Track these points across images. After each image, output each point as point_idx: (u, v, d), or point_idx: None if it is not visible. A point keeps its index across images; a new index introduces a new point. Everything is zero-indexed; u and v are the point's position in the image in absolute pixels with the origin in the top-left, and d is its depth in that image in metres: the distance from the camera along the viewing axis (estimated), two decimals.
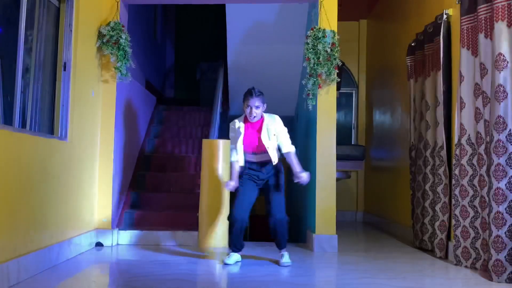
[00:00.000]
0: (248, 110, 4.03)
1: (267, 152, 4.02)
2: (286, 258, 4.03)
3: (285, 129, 4.12)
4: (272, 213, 4.04)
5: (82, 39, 4.40)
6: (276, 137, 4.06)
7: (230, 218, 4.06)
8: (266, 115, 4.12)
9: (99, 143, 4.87)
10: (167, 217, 5.40)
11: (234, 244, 4.11)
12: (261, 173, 4.08)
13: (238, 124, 4.13)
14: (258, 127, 4.08)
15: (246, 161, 4.13)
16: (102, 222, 4.83)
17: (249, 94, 4.03)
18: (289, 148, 4.07)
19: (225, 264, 4.01)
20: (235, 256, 4.12)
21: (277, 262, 4.05)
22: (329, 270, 4.01)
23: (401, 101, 6.32)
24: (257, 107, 4.00)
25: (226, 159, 4.97)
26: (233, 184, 4.08)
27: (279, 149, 4.12)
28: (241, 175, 4.13)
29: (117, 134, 5.00)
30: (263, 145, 4.02)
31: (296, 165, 4.04)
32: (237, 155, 4.11)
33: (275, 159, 4.05)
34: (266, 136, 4.03)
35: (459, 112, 4.12)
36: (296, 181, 4.01)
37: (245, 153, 4.11)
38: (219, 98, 6.40)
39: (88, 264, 4.05)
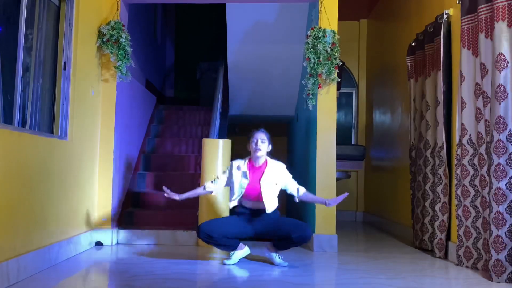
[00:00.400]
0: (253, 144, 3.95)
1: (263, 201, 3.93)
2: (280, 259, 4.01)
3: (289, 176, 4.07)
4: (295, 232, 3.87)
5: (82, 38, 4.39)
6: (278, 186, 3.99)
7: (197, 234, 3.97)
8: (270, 160, 4.05)
9: (99, 142, 4.87)
10: (167, 217, 5.40)
11: (226, 248, 4.07)
12: (255, 219, 3.99)
13: (243, 167, 4.00)
14: (261, 173, 3.99)
15: (240, 206, 4.05)
16: (102, 221, 4.83)
17: (255, 129, 4.02)
18: (301, 188, 4.05)
19: (225, 264, 3.99)
20: (236, 254, 4.05)
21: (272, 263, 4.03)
22: (329, 270, 4.00)
23: (401, 101, 6.32)
24: (262, 141, 3.94)
25: (226, 158, 4.97)
26: (173, 195, 3.95)
27: (288, 196, 4.13)
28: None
29: (117, 133, 5.00)
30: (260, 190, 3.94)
31: (317, 198, 4.15)
32: (213, 186, 4.08)
33: (269, 208, 3.93)
34: (266, 182, 3.94)
35: (460, 112, 4.12)
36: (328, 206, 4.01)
37: (241, 198, 4.01)
38: (219, 98, 6.39)
39: (87, 264, 4.05)
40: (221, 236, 3.91)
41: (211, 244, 4.00)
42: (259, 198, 3.95)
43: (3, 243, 3.06)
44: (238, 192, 3.98)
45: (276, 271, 3.80)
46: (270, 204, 3.94)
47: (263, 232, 3.99)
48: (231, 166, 4.07)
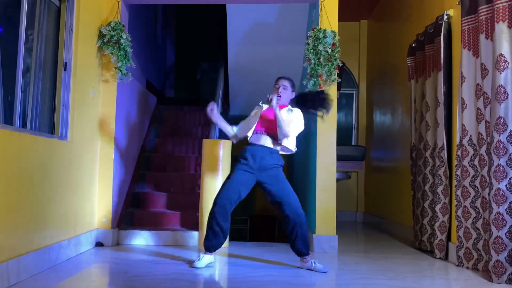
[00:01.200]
0: (274, 90, 3.94)
1: (272, 135, 3.83)
2: (317, 265, 3.87)
3: (298, 123, 3.88)
4: (287, 213, 3.79)
5: (82, 39, 4.40)
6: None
7: (212, 205, 3.83)
8: (290, 106, 3.97)
9: (100, 142, 4.87)
10: (167, 217, 5.40)
11: (209, 241, 3.85)
12: (257, 159, 3.82)
13: (262, 105, 4.01)
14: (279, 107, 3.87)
15: (243, 152, 3.91)
16: (102, 222, 4.83)
17: (278, 77, 4.02)
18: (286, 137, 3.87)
19: (195, 267, 3.81)
20: (207, 258, 3.88)
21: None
22: (330, 270, 4.00)
23: (402, 101, 6.32)
24: (285, 88, 3.93)
25: (226, 159, 4.97)
26: (214, 109, 3.93)
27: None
28: (235, 160, 3.96)
29: (117, 134, 5.00)
30: (274, 124, 3.81)
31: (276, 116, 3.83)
32: (236, 130, 4.04)
33: (275, 142, 3.85)
34: (284, 112, 3.85)
35: (461, 113, 4.12)
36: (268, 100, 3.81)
37: (252, 134, 3.94)
38: (220, 98, 6.40)
39: (88, 264, 4.05)
40: (226, 201, 3.79)
41: (211, 221, 3.84)
42: (270, 127, 3.87)
43: (3, 243, 3.07)
44: (253, 122, 3.94)
45: (276, 272, 3.79)
46: (283, 130, 3.78)
47: (264, 182, 3.84)
48: (256, 108, 4.07)
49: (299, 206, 3.85)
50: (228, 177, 3.93)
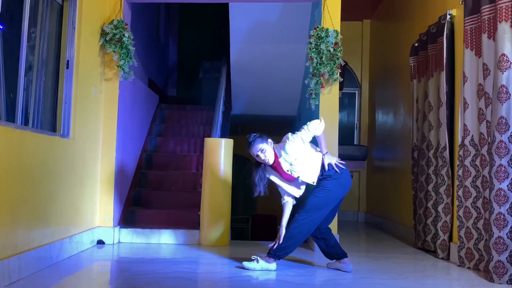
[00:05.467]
0: (258, 160, 3.72)
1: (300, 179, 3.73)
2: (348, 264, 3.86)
3: (299, 133, 3.71)
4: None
5: (85, 37, 4.40)
6: (300, 157, 3.68)
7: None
8: (277, 147, 3.74)
9: (102, 141, 4.87)
10: (169, 216, 5.41)
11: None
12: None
13: (273, 177, 3.83)
14: (279, 164, 3.74)
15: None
16: (104, 220, 4.83)
17: (247, 146, 3.71)
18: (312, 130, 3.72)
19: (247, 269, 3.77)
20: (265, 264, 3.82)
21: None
22: (330, 270, 3.99)
23: (404, 101, 6.31)
24: (262, 151, 3.66)
25: (228, 158, 4.97)
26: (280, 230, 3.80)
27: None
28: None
29: (119, 132, 5.01)
30: (292, 176, 3.72)
31: (321, 147, 3.76)
32: (285, 198, 3.88)
33: (312, 179, 3.71)
34: (287, 166, 3.70)
35: (463, 113, 4.11)
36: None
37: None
38: (222, 97, 6.40)
39: (89, 262, 4.05)
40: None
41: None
42: (291, 178, 3.77)
43: (5, 241, 3.07)
44: (285, 187, 3.83)
45: (276, 271, 3.79)
46: (307, 176, 3.70)
47: None
48: (266, 175, 3.82)
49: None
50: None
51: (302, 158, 3.70)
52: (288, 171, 3.72)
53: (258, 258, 3.78)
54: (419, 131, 5.13)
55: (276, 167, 3.77)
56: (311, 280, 3.66)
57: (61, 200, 3.92)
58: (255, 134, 3.73)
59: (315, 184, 3.74)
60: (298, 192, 3.86)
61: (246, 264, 3.78)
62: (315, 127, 3.71)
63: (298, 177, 3.72)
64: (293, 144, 3.66)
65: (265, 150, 3.67)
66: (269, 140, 3.73)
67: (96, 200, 4.79)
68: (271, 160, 3.70)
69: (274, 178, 3.83)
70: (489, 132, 3.76)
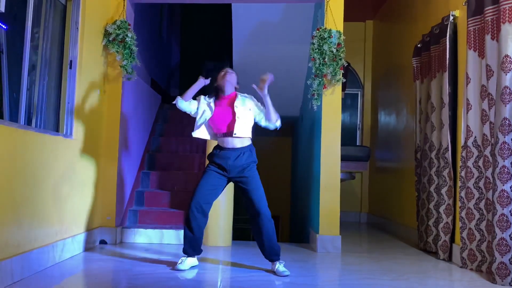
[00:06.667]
0: (222, 73, 3.86)
1: (239, 136, 3.73)
2: (282, 267, 3.70)
3: (259, 104, 3.88)
4: (257, 210, 3.69)
5: (88, 37, 4.41)
6: (252, 112, 3.80)
7: (186, 210, 3.73)
8: (239, 93, 3.89)
9: (104, 141, 4.88)
10: (171, 216, 5.41)
11: (189, 245, 3.77)
12: (231, 161, 3.71)
13: (208, 99, 3.87)
14: (230, 101, 3.80)
15: (215, 148, 3.83)
16: (106, 220, 4.84)
17: (224, 69, 3.93)
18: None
19: (178, 270, 3.72)
20: (190, 260, 3.81)
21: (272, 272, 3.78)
22: (332, 271, 4.00)
23: (407, 102, 6.30)
24: (230, 72, 3.86)
25: None
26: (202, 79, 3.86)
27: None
28: (207, 165, 3.86)
29: (122, 132, 5.01)
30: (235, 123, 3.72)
31: (265, 102, 3.81)
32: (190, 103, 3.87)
33: (239, 131, 3.72)
34: (241, 108, 3.76)
35: (466, 114, 4.10)
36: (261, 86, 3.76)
37: (216, 135, 3.85)
38: None
39: (91, 262, 4.06)
40: (200, 202, 3.69)
41: (186, 227, 3.76)
42: (230, 127, 3.74)
43: (7, 240, 3.08)
44: (201, 120, 3.85)
45: None
46: (241, 128, 3.73)
47: (236, 176, 3.75)
48: (201, 98, 3.90)
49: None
50: None
51: (249, 115, 3.81)
52: (236, 107, 3.77)
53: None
54: (422, 132, 5.13)
55: (226, 102, 3.83)
56: (314, 281, 3.66)
57: (64, 200, 3.93)
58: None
59: (235, 134, 3.72)
60: (205, 134, 3.89)
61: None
62: (274, 115, 3.82)
63: (238, 118, 3.73)
64: (252, 101, 3.87)
65: (234, 77, 3.90)
66: (238, 84, 3.96)
67: (99, 200, 4.80)
68: (231, 83, 3.86)
69: (212, 104, 3.87)
70: (493, 133, 3.75)
